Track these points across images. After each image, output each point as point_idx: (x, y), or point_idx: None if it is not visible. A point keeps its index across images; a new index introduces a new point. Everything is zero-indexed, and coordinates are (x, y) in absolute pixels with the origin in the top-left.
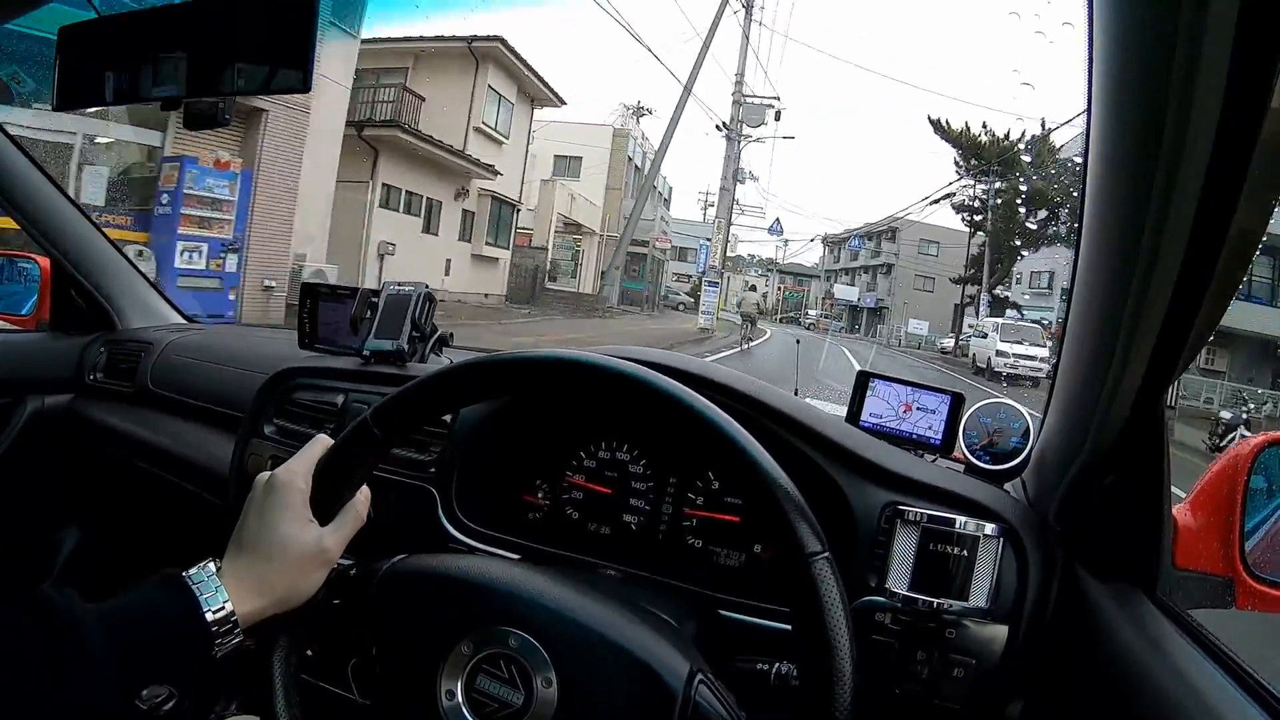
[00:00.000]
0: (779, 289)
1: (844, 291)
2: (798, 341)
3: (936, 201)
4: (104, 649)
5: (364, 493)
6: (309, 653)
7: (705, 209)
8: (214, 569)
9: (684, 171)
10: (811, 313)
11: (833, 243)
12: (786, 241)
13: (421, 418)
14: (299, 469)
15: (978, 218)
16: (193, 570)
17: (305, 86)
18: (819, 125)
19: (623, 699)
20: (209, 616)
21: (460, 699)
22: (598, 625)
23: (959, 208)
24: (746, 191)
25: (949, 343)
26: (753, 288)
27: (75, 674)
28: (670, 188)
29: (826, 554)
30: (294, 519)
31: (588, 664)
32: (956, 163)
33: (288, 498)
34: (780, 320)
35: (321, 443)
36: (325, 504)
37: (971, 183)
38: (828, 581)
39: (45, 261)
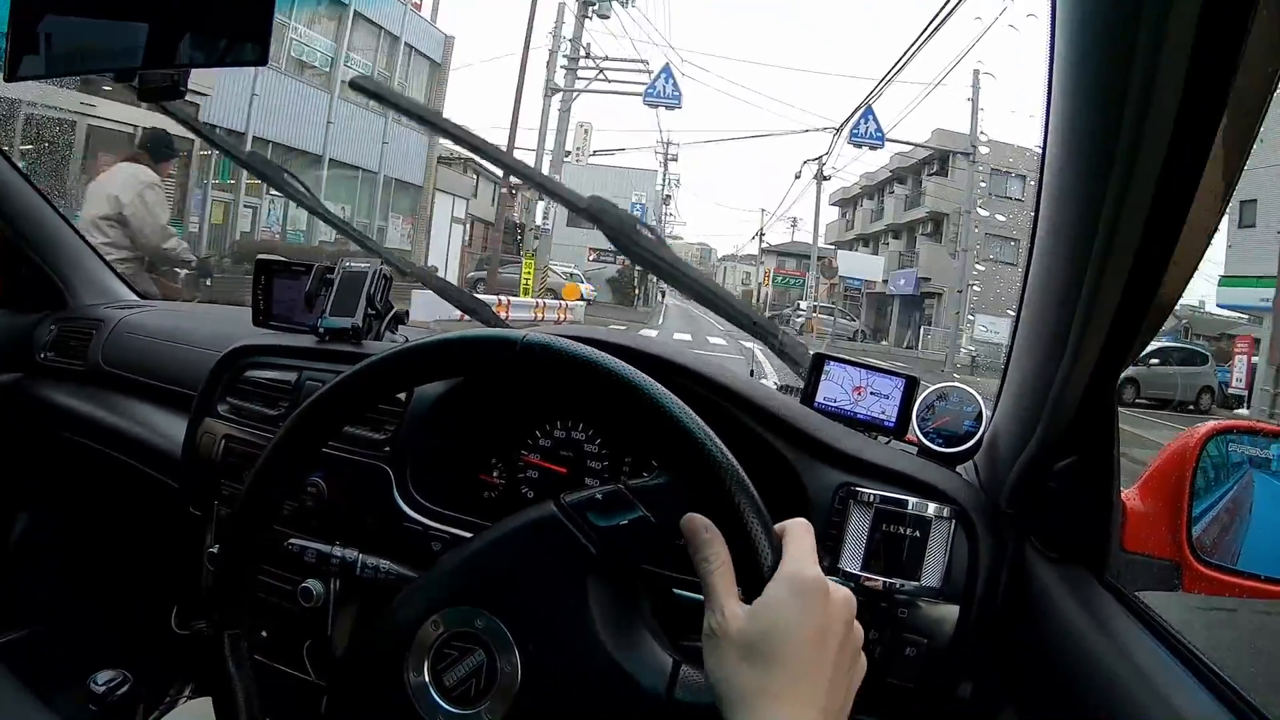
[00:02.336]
0: (766, 275)
1: (856, 266)
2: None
3: None
4: None
5: None
6: (263, 634)
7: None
8: None
9: None
10: (804, 307)
11: (846, 201)
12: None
13: (343, 422)
14: None
15: None
16: None
17: (262, 59)
18: None
19: (538, 570)
20: None
21: (445, 704)
22: (473, 549)
23: None
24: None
25: None
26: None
27: None
28: None
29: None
30: None
31: (493, 581)
32: None
33: None
34: (770, 316)
35: None
36: None
37: None
38: (547, 342)
39: None
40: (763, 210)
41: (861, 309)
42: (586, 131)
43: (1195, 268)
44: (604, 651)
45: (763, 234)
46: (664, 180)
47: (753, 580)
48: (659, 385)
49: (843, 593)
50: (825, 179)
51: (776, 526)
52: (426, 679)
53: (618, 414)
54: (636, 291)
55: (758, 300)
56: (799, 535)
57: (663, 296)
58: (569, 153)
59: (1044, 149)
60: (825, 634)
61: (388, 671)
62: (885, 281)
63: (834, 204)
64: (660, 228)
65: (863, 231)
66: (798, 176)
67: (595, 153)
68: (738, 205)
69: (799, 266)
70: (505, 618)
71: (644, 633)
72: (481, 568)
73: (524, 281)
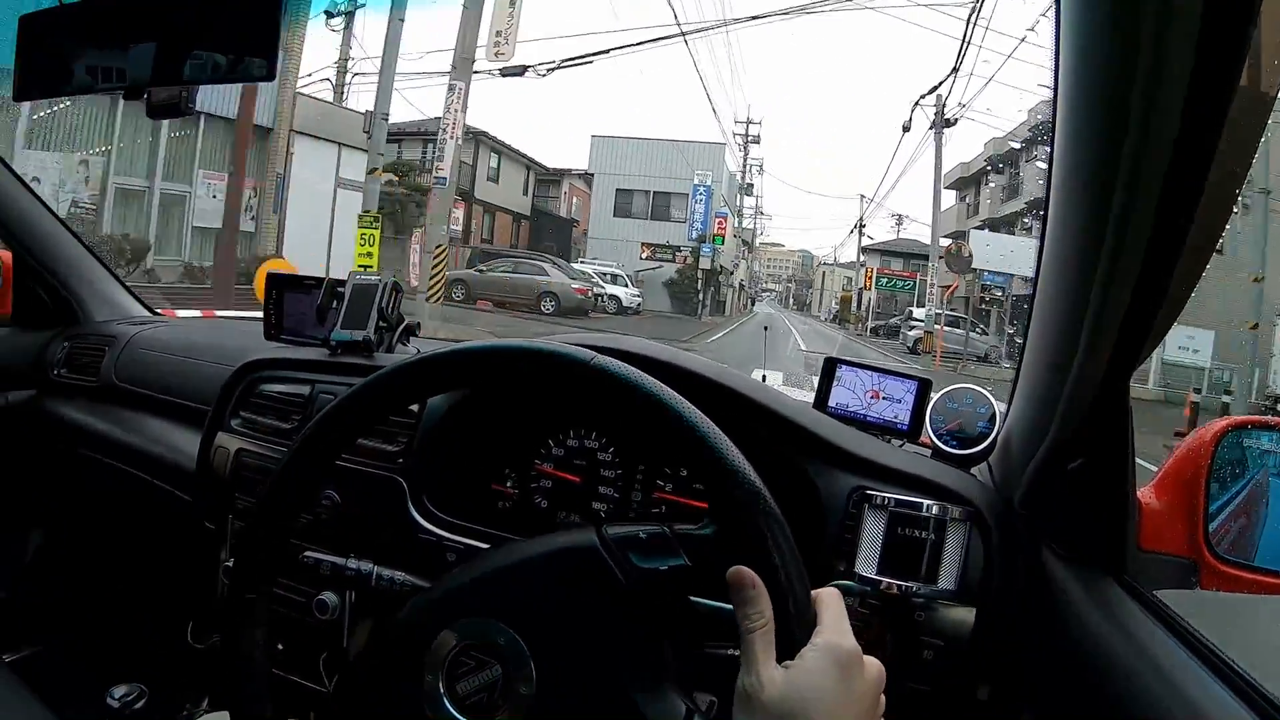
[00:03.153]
0: (868, 276)
1: (998, 253)
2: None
3: None
4: None
5: None
6: (279, 646)
7: None
8: None
9: None
10: (919, 316)
11: (966, 181)
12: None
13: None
14: None
15: None
16: None
17: (270, 75)
18: None
19: (569, 595)
20: None
21: (441, 685)
22: (505, 563)
23: None
24: None
25: None
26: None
27: None
28: None
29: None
30: None
31: (523, 599)
32: None
33: None
34: (869, 331)
35: None
36: None
37: None
38: (618, 367)
39: (6, 255)
40: (861, 196)
41: (995, 316)
42: None
43: (1206, 263)
44: (621, 688)
45: (863, 226)
46: (744, 166)
47: (787, 644)
48: (724, 437)
49: (875, 666)
50: (948, 124)
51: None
52: (441, 687)
53: (678, 456)
54: (700, 298)
55: (859, 307)
56: (833, 603)
57: (751, 305)
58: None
59: (1053, 145)
60: (860, 706)
61: (402, 675)
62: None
63: (950, 186)
64: (740, 224)
65: (991, 216)
66: (906, 129)
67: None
68: (829, 191)
69: (907, 267)
70: (528, 638)
71: (663, 677)
72: (510, 584)
73: (360, 260)
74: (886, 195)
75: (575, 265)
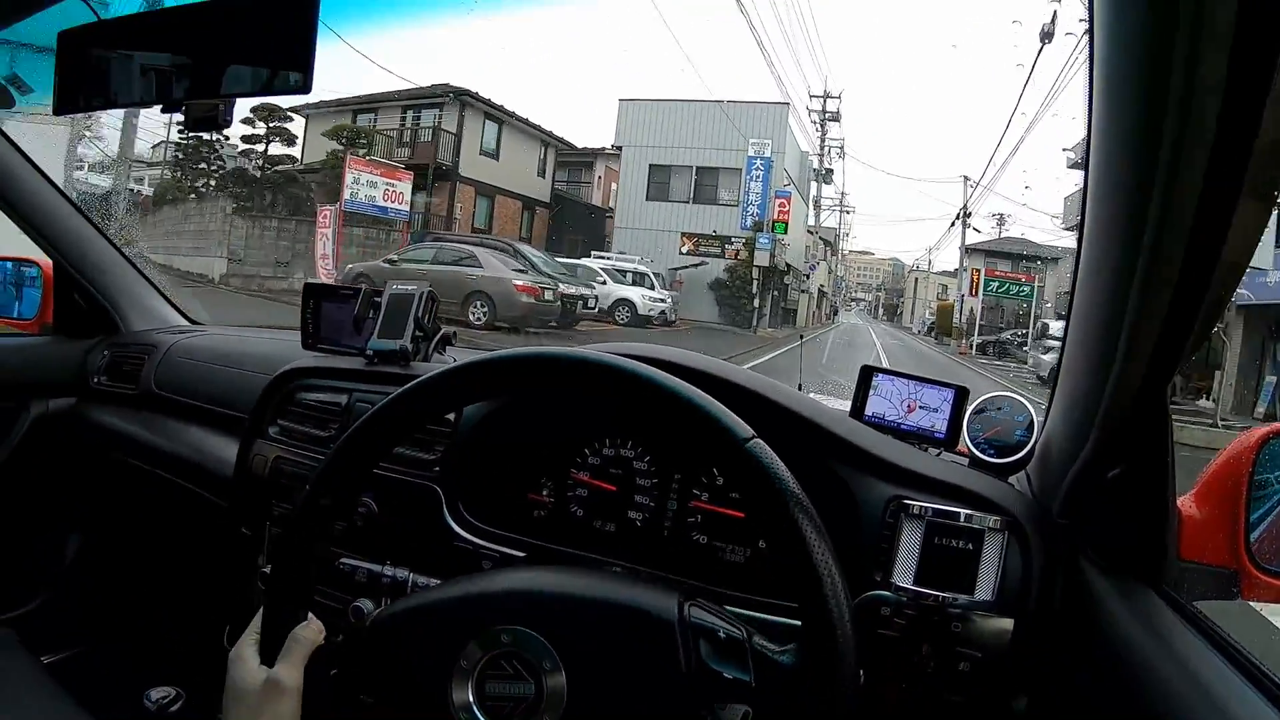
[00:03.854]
0: (974, 279)
1: None
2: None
3: None
4: None
5: (313, 625)
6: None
7: None
8: None
9: None
10: (1056, 331)
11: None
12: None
13: (382, 454)
14: (292, 681)
15: None
16: None
17: (306, 88)
18: None
19: (625, 648)
20: None
21: (475, 710)
22: (580, 592)
23: None
24: None
25: None
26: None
27: None
28: None
29: (758, 439)
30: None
31: (582, 632)
32: None
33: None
34: (975, 348)
35: (309, 634)
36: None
37: None
38: (769, 459)
39: (48, 264)
40: (965, 178)
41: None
42: None
43: (1246, 266)
44: None
45: (968, 215)
46: (822, 148)
47: None
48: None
49: None
50: None
51: None
52: (473, 678)
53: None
54: (755, 304)
55: (960, 318)
56: None
57: (834, 315)
58: None
59: (1088, 148)
60: None
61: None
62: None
63: (1074, 166)
64: (819, 218)
65: None
66: (1047, 39)
67: None
68: (925, 175)
69: (1016, 269)
70: (572, 673)
71: None
72: (577, 614)
73: None
74: (1005, 164)
75: (587, 261)
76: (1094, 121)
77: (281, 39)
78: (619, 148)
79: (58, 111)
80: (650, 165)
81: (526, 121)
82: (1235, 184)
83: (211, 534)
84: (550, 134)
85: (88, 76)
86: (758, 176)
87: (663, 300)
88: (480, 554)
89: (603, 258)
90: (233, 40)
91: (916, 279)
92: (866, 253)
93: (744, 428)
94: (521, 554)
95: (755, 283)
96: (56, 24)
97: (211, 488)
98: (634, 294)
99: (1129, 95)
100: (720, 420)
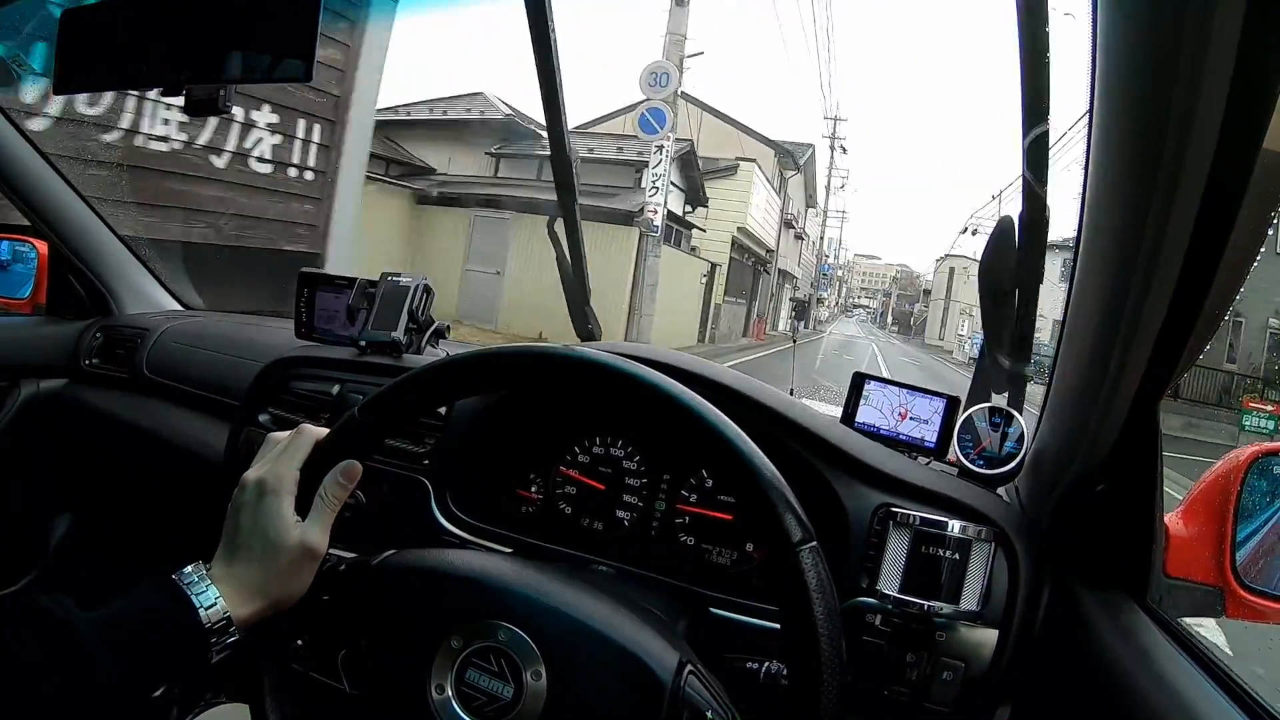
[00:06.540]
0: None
1: None
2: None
3: None
4: (106, 660)
5: (342, 470)
6: (298, 642)
7: None
8: (205, 571)
9: None
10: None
11: None
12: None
13: (413, 412)
14: (287, 470)
15: None
16: (187, 570)
17: (307, 76)
18: None
19: (612, 690)
20: (207, 621)
21: (450, 693)
22: (586, 618)
23: None
24: None
25: None
26: None
27: (78, 686)
28: None
29: (813, 543)
30: (283, 521)
31: (576, 656)
32: None
33: (277, 501)
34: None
35: (307, 436)
36: (309, 498)
37: None
38: (814, 571)
39: (43, 245)
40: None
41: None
42: None
43: (1240, 284)
44: None
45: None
46: (830, 177)
47: None
48: (739, 430)
49: None
50: None
51: None
52: (455, 662)
53: (687, 443)
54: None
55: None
56: None
57: (801, 322)
58: None
59: (1087, 159)
60: None
61: (411, 684)
62: None
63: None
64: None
65: None
66: None
67: None
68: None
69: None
70: (555, 686)
71: None
72: (579, 634)
73: None
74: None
75: None
76: (1093, 134)
77: (283, 25)
78: None
79: (58, 91)
80: None
81: None
82: (1234, 201)
83: (200, 521)
84: None
85: (88, 57)
86: None
87: None
88: (466, 547)
89: None
90: (234, 24)
91: (953, 269)
92: (873, 256)
93: (798, 530)
94: (508, 550)
95: (755, 280)
96: (59, 3)
97: (201, 474)
98: None
99: (1130, 105)
100: (781, 519)
